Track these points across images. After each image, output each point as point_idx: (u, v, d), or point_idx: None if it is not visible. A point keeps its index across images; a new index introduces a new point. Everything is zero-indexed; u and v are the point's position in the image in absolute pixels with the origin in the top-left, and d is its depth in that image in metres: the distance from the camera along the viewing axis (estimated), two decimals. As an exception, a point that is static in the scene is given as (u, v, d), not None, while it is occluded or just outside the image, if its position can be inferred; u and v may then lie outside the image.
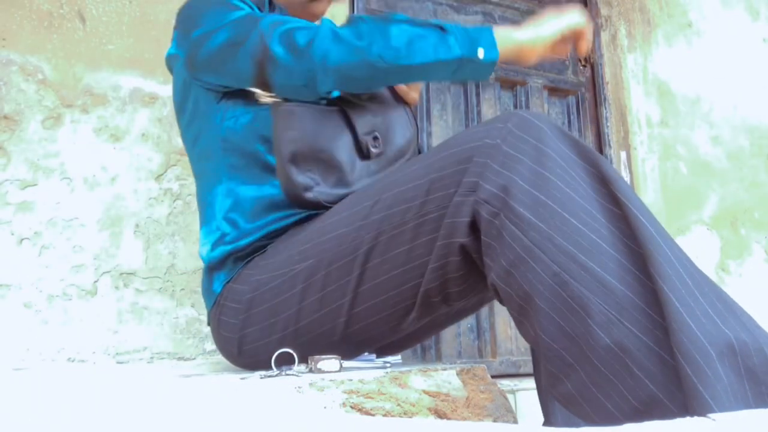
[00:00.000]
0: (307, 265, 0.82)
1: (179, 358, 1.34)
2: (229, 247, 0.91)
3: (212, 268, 0.93)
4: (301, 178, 0.87)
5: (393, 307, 0.79)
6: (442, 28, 0.86)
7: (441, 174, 0.72)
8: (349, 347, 0.84)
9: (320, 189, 0.88)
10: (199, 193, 0.99)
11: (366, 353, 0.89)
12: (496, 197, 0.66)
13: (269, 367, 0.74)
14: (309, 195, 0.87)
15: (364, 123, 0.94)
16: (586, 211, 0.62)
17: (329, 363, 0.73)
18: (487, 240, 0.67)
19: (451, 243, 0.71)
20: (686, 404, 0.53)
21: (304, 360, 0.75)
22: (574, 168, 0.65)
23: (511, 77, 2.02)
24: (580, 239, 0.60)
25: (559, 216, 0.62)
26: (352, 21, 0.89)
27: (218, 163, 0.93)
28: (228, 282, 0.91)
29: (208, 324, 0.98)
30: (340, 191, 0.89)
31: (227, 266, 0.92)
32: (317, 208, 0.88)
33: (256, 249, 0.92)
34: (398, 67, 0.85)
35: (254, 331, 0.87)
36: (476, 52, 0.84)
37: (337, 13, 1.42)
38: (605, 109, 2.15)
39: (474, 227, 0.69)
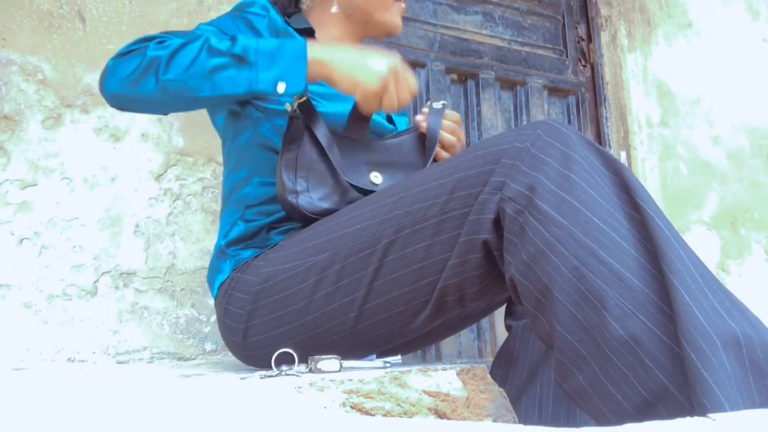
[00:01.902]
0: (322, 257, 0.82)
1: (179, 358, 1.34)
2: (243, 227, 0.94)
3: (223, 251, 0.95)
4: (289, 181, 0.89)
5: (406, 304, 0.79)
6: (242, 59, 0.86)
7: (467, 173, 0.73)
8: (355, 345, 0.84)
9: (306, 196, 0.89)
10: (226, 179, 1.04)
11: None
12: (521, 195, 0.67)
13: (271, 360, 0.74)
14: (291, 198, 0.88)
15: (367, 158, 0.95)
16: (607, 212, 0.64)
17: (329, 363, 0.73)
18: (509, 236, 0.69)
19: (474, 239, 0.72)
20: (691, 391, 0.54)
21: (306, 357, 0.75)
22: (598, 173, 0.67)
23: (511, 77, 2.02)
24: (601, 236, 0.62)
25: (581, 214, 0.64)
26: (151, 42, 0.90)
27: (252, 154, 0.98)
28: (237, 271, 0.92)
29: (215, 309, 0.99)
30: (325, 205, 0.90)
31: (239, 251, 0.94)
32: (302, 215, 0.89)
33: (267, 238, 0.93)
34: (183, 98, 0.87)
35: (261, 322, 0.87)
36: (275, 88, 0.85)
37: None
38: (605, 109, 2.15)
39: (497, 224, 0.71)
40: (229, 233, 0.96)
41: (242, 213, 0.96)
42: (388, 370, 0.72)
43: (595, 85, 2.18)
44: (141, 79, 0.86)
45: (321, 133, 0.91)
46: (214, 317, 1.37)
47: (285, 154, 0.90)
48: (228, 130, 1.03)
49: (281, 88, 0.85)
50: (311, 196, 0.89)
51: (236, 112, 1.00)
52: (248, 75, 0.85)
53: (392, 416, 0.63)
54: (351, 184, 0.91)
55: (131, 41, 0.91)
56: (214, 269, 0.97)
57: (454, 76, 1.95)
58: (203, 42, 0.87)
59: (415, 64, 1.86)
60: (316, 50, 0.88)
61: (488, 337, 1.81)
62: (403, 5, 1.08)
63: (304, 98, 0.90)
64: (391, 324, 0.82)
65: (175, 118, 1.41)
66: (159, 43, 0.88)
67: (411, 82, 0.91)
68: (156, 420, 0.49)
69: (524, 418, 0.93)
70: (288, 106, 0.91)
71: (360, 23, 1.08)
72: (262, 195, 0.96)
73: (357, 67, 0.87)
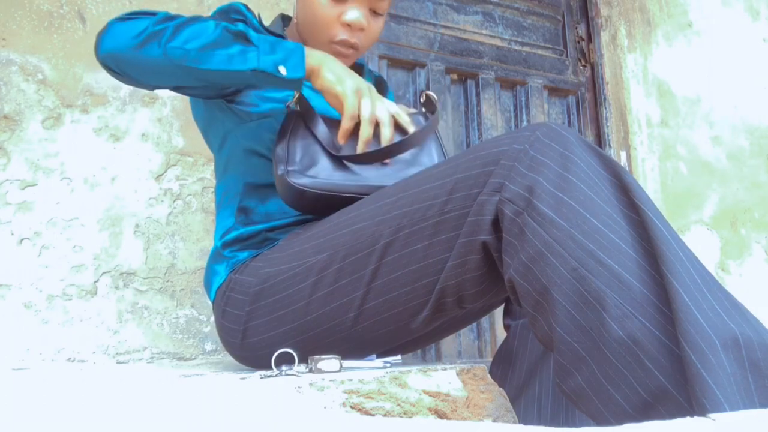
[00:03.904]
0: (321, 258, 0.82)
1: (179, 358, 1.34)
2: (240, 230, 0.94)
3: (219, 253, 0.95)
4: (281, 163, 0.89)
5: (405, 305, 0.79)
6: (246, 40, 0.87)
7: (466, 174, 0.74)
8: (354, 346, 0.84)
9: (291, 169, 0.90)
10: (219, 184, 1.04)
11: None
12: (520, 197, 0.67)
13: (270, 361, 0.75)
14: (280, 169, 0.89)
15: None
16: (606, 213, 0.64)
17: (329, 363, 0.73)
18: (508, 238, 0.69)
19: (473, 240, 0.72)
20: (691, 391, 0.54)
21: (305, 357, 0.75)
22: (597, 175, 0.67)
23: (511, 77, 2.02)
24: (600, 238, 0.62)
25: (580, 216, 0.64)
26: (153, 16, 0.89)
27: (239, 160, 0.99)
28: (235, 272, 0.92)
29: (213, 312, 0.99)
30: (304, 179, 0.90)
31: (235, 252, 0.94)
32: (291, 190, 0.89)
33: (265, 240, 0.93)
34: (184, 67, 0.86)
35: (260, 323, 0.87)
36: (277, 70, 0.86)
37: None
38: (605, 109, 2.15)
39: (496, 226, 0.71)
40: (225, 236, 0.96)
41: (236, 218, 0.97)
42: (388, 370, 0.72)
43: (595, 85, 2.18)
44: (146, 42, 0.85)
45: (316, 127, 0.92)
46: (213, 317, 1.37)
47: (277, 145, 0.91)
48: (214, 140, 1.05)
49: (282, 71, 0.86)
50: (293, 167, 0.89)
51: (218, 122, 1.00)
52: (252, 55, 0.86)
53: (392, 416, 0.63)
54: (343, 157, 0.91)
55: (134, 10, 0.91)
56: (210, 272, 0.97)
57: (454, 76, 1.95)
58: (215, 21, 0.88)
59: (415, 64, 1.86)
60: (309, 49, 0.91)
61: (488, 337, 1.81)
62: (342, 49, 1.01)
63: (297, 97, 0.92)
64: (391, 324, 0.82)
65: (175, 118, 1.41)
66: (168, 17, 0.89)
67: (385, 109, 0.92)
68: (156, 420, 0.49)
69: (523, 417, 0.93)
70: (289, 105, 0.92)
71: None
72: (252, 198, 0.97)
73: (345, 71, 0.90)
